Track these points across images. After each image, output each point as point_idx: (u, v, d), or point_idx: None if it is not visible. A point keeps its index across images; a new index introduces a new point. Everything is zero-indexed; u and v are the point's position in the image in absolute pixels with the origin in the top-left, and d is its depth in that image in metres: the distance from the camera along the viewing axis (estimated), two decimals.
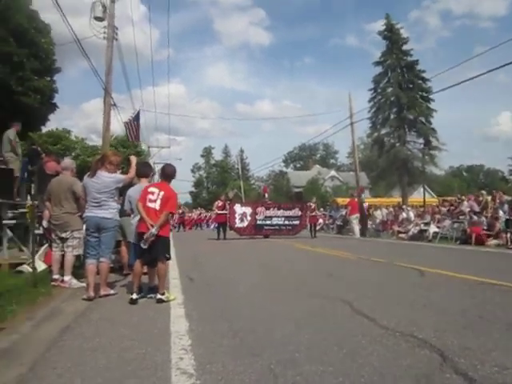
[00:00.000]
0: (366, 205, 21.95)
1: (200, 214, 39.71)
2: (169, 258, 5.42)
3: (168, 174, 5.42)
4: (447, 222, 15.95)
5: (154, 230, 4.89)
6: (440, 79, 69.58)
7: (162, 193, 5.12)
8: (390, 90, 35.57)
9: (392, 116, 35.73)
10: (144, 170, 6.28)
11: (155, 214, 5.03)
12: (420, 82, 35.21)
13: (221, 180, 70.50)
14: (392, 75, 35.43)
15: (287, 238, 17.18)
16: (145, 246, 4.92)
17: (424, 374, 2.58)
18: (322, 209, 28.67)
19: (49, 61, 19.18)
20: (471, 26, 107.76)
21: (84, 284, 5.61)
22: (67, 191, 6.14)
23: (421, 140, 35.41)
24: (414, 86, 35.38)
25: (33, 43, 17.79)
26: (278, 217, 18.39)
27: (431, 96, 33.77)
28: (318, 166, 65.18)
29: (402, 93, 34.42)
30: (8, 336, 3.61)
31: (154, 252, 5.02)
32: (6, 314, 4.24)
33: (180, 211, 33.58)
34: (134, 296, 4.97)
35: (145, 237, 4.89)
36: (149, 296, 5.21)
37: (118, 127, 43.62)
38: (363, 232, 19.90)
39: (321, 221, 24.94)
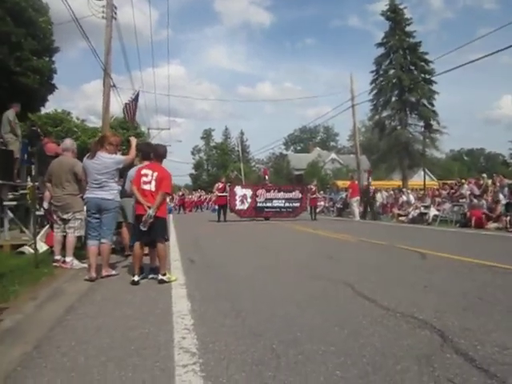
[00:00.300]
0: (372, 188, 21.77)
1: (200, 196, 39.81)
2: (167, 239, 5.44)
3: (160, 154, 5.44)
4: (447, 205, 15.98)
5: (151, 212, 4.90)
6: (442, 61, 68.53)
7: (155, 174, 5.11)
8: (391, 71, 35.12)
9: (393, 98, 35.34)
10: (149, 152, 6.14)
11: (151, 196, 5.04)
12: (422, 63, 34.69)
13: (221, 162, 70.36)
14: (394, 57, 34.91)
15: (287, 221, 17.22)
16: (144, 229, 4.94)
17: (425, 354, 2.61)
18: (322, 192, 28.64)
19: (47, 40, 18.84)
20: (475, 7, 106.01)
21: (86, 265, 5.64)
22: (68, 172, 6.11)
23: (422, 123, 35.12)
24: (416, 68, 34.92)
25: (30, 22, 17.46)
26: (279, 199, 18.39)
27: (433, 78, 33.39)
28: (318, 148, 64.85)
29: (403, 75, 33.96)
30: (12, 315, 3.63)
31: (152, 234, 5.04)
32: (9, 294, 4.26)
33: (180, 193, 33.67)
34: (136, 278, 4.98)
35: (143, 219, 4.90)
36: (150, 277, 5.24)
37: (117, 108, 43.31)
38: (364, 215, 19.84)
39: (321, 203, 24.93)
